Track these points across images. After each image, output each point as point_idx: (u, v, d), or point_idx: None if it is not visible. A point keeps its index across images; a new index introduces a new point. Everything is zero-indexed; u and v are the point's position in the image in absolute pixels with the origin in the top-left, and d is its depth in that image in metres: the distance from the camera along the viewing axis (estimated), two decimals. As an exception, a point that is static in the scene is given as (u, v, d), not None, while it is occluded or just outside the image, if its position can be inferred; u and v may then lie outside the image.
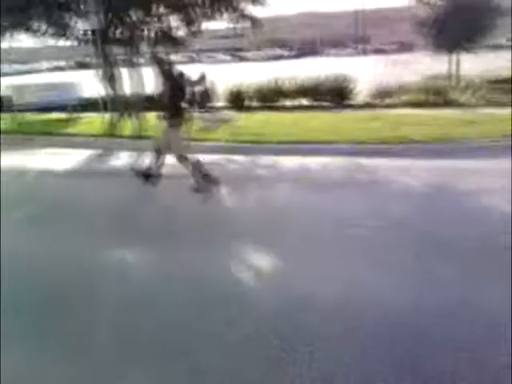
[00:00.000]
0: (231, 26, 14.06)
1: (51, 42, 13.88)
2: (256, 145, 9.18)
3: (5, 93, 15.05)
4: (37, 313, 3.68)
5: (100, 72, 12.55)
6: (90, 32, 12.46)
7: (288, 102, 14.47)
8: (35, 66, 61.51)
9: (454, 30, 16.40)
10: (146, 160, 7.22)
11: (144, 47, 13.83)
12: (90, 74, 13.41)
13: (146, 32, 13.61)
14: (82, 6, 12.26)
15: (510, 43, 30.35)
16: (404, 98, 13.49)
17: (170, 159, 7.00)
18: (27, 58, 61.43)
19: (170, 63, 7.14)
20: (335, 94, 13.89)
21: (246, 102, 14.61)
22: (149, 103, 13.24)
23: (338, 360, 2.89)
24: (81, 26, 13.36)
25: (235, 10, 12.94)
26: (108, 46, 13.08)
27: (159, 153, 7.03)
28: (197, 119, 11.20)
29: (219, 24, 15.34)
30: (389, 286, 3.75)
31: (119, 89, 13.47)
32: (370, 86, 14.30)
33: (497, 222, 4.87)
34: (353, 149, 8.46)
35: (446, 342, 2.99)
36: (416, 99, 13.13)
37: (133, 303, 3.72)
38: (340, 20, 70.61)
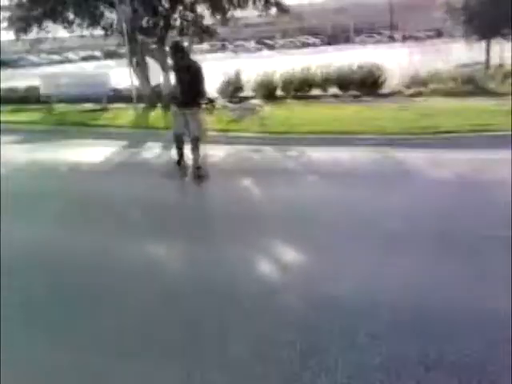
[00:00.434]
0: (260, 13, 13.99)
1: (83, 31, 14.05)
2: (284, 135, 9.11)
3: (35, 83, 15.31)
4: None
5: (130, 62, 12.65)
6: (120, 22, 12.54)
7: (318, 92, 14.30)
8: (67, 55, 62.36)
9: (489, 17, 15.92)
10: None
11: (173, 36, 13.86)
12: (121, 64, 13.54)
13: (175, 21, 13.65)
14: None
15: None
16: (437, 86, 13.17)
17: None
18: (59, 48, 62.34)
19: (185, 51, 7.23)
20: (366, 84, 13.64)
21: (275, 92, 14.51)
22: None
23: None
24: (111, 15, 13.50)
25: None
26: (138, 36, 13.17)
27: (181, 142, 7.23)
28: (224, 109, 11.24)
29: (249, 12, 15.29)
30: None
31: (149, 79, 13.58)
32: (403, 74, 14.01)
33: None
34: (383, 139, 8.31)
35: None
36: (449, 88, 12.80)
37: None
38: (373, 6, 69.23)
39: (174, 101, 7.33)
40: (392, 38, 58.23)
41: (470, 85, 12.83)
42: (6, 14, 13.12)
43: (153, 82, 13.75)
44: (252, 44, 62.94)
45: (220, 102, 12.57)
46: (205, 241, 4.79)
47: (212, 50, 61.51)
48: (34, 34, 13.74)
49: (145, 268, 4.19)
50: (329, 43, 62.60)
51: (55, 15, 12.99)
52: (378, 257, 4.14)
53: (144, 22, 13.36)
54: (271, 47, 62.11)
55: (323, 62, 14.99)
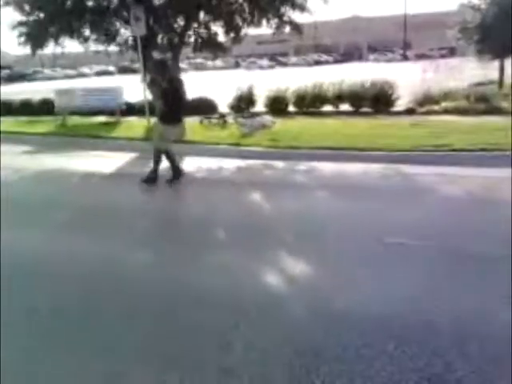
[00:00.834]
0: (274, 32, 14.09)
1: (98, 47, 14.24)
2: (295, 150, 9.12)
3: (50, 96, 15.53)
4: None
5: (143, 77, 12.78)
6: (134, 38, 12.71)
7: (330, 108, 14.34)
8: (82, 70, 63.31)
9: (503, 36, 15.88)
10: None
11: (187, 52, 14.01)
12: (135, 79, 13.68)
13: (189, 38, 13.79)
14: (126, 13, 12.54)
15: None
16: (449, 104, 13.14)
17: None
18: (74, 62, 63.41)
19: (168, 67, 7.47)
20: (378, 101, 13.66)
21: (287, 108, 14.57)
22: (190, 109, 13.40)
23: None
24: (126, 32, 13.69)
25: (277, 15, 12.94)
26: (150, 52, 13.33)
27: (158, 156, 7.51)
28: (236, 124, 11.31)
29: (261, 30, 15.42)
30: None
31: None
32: (415, 92, 14.00)
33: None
34: (394, 156, 8.28)
35: None
36: (462, 106, 12.77)
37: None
38: (386, 25, 69.73)
39: (159, 117, 7.61)
40: (405, 57, 58.39)
41: (483, 103, 12.77)
42: (24, 29, 13.34)
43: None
44: (265, 61, 63.41)
45: (232, 116, 12.63)
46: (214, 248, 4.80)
47: (225, 67, 62.23)
48: (50, 48, 13.97)
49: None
50: (341, 61, 62.94)
51: (72, 31, 13.19)
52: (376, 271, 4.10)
53: (159, 39, 13.52)
54: (284, 64, 62.55)
55: (335, 79, 15.04)
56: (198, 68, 59.73)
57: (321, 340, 3.17)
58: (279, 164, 8.71)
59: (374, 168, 7.91)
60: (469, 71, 18.78)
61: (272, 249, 4.79)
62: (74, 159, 7.93)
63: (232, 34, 13.71)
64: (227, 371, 2.90)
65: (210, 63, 62.13)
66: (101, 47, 14.10)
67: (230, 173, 8.43)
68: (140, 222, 5.91)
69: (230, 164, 8.83)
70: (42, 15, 12.67)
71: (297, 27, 13.55)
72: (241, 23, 13.48)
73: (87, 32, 13.35)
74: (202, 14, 13.27)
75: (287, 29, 13.68)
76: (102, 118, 14.41)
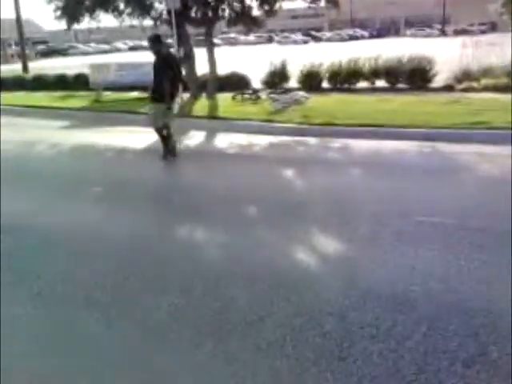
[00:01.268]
0: (309, 5, 13.85)
1: (132, 21, 14.26)
2: (328, 127, 9.00)
3: (86, 71, 15.67)
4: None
5: (177, 52, 12.76)
6: (168, 12, 12.66)
7: (365, 84, 14.06)
8: (116, 45, 63.61)
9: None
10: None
11: (220, 27, 13.90)
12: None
13: (223, 12, 13.68)
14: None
15: None
16: (489, 81, 12.71)
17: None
18: (108, 37, 63.77)
19: (160, 43, 7.49)
20: (415, 77, 13.31)
21: (321, 84, 14.36)
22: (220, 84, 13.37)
23: None
24: (160, 6, 13.66)
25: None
26: (184, 26, 13.28)
27: (162, 132, 7.46)
28: (269, 100, 11.21)
29: (296, 3, 15.17)
30: None
31: (195, 69, 13.68)
32: (453, 68, 13.59)
33: None
34: (431, 133, 8.09)
35: None
36: (502, 83, 12.32)
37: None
38: (424, -1, 67.60)
39: (154, 95, 7.47)
40: (443, 32, 56.68)
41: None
42: (59, 3, 13.45)
43: (196, 72, 13.85)
44: (299, 36, 62.44)
45: (265, 92, 12.53)
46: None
47: (258, 42, 61.61)
48: (85, 23, 14.07)
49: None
50: (377, 36, 61.52)
51: (107, 5, 13.23)
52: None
53: (193, 13, 13.45)
54: (318, 39, 61.51)
55: (371, 54, 14.70)
56: (231, 43, 59.34)
57: (353, 317, 3.15)
58: (312, 141, 8.63)
59: (410, 145, 7.75)
60: (510, 47, 18.08)
61: (306, 225, 4.80)
62: (107, 134, 8.02)
63: (266, 8, 13.52)
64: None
65: (242, 38, 61.57)
66: (135, 21, 14.13)
67: (262, 149, 8.39)
68: (174, 197, 5.98)
69: (262, 140, 8.79)
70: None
71: (333, 0, 13.28)
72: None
73: (122, 6, 13.38)
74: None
75: (322, 2, 13.43)
76: (135, 94, 14.47)
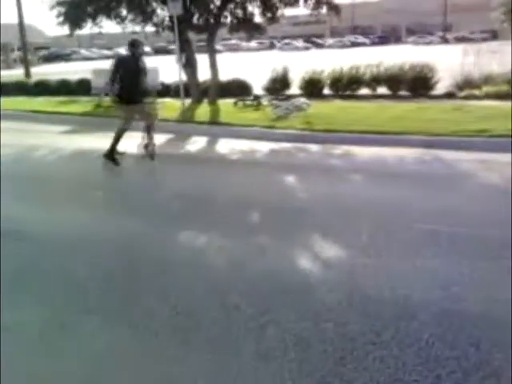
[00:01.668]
0: (311, 12, 13.89)
1: (134, 27, 14.30)
2: (330, 133, 9.01)
3: (88, 77, 15.69)
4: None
5: (179, 58, 12.80)
6: (170, 18, 12.71)
7: (366, 91, 14.08)
8: (118, 50, 63.72)
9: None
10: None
11: (222, 34, 13.96)
12: (170, 59, 13.69)
13: (225, 19, 13.72)
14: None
15: None
16: (490, 89, 12.73)
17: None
18: (111, 43, 63.95)
19: (140, 49, 7.78)
20: (417, 84, 13.34)
21: (322, 90, 14.39)
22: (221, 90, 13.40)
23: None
24: (162, 12, 13.71)
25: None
26: (186, 33, 13.33)
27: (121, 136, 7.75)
28: (270, 106, 11.23)
29: (298, 10, 15.21)
30: None
31: (196, 75, 13.73)
32: (454, 75, 13.62)
33: None
34: (432, 141, 8.09)
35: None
36: (503, 91, 12.34)
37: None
38: (426, 7, 67.81)
39: (121, 98, 7.72)
40: (445, 39, 56.84)
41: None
42: (62, 9, 13.48)
43: (198, 78, 13.89)
44: (300, 43, 62.63)
45: (266, 98, 12.55)
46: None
47: (260, 48, 61.82)
48: (87, 29, 14.10)
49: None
50: (379, 43, 61.68)
51: (109, 11, 13.27)
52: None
53: (195, 19, 13.50)
54: (319, 46, 61.68)
55: (373, 61, 14.74)
56: (232, 49, 59.52)
57: (355, 324, 3.14)
58: (314, 147, 8.63)
59: (412, 153, 7.75)
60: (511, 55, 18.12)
61: (306, 231, 4.80)
62: (108, 140, 8.04)
63: (268, 15, 13.57)
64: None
65: (244, 44, 61.81)
66: (137, 27, 14.17)
67: (264, 155, 8.40)
68: (177, 202, 5.99)
69: (264, 147, 8.80)
70: (80, -5, 12.79)
71: (334, 7, 13.33)
72: (278, 3, 13.33)
73: (124, 12, 13.42)
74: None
75: (324, 9, 13.48)
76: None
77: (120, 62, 7.66)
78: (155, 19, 13.81)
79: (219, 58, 14.39)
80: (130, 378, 2.80)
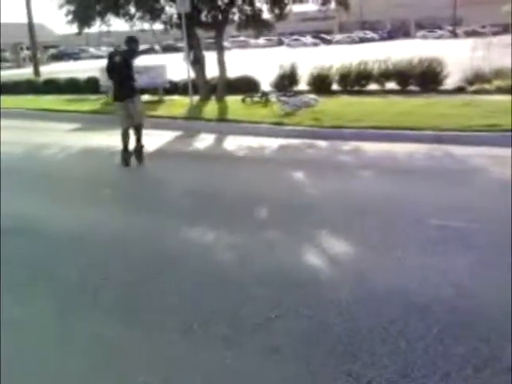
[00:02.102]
0: (320, 8, 13.82)
1: (143, 25, 14.30)
2: (339, 129, 8.97)
3: (96, 75, 15.74)
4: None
5: (187, 56, 12.80)
6: (178, 16, 12.71)
7: (375, 87, 13.99)
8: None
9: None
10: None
11: (230, 31, 13.93)
12: (179, 57, 13.69)
13: (233, 15, 13.69)
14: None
15: None
16: (501, 83, 12.58)
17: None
18: (119, 41, 64.03)
19: (137, 46, 7.80)
20: (426, 79, 13.22)
21: (331, 86, 14.31)
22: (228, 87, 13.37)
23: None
24: (170, 9, 13.70)
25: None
26: (194, 30, 13.31)
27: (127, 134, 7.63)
28: (279, 102, 11.20)
29: (306, 6, 15.14)
30: None
31: (204, 72, 13.72)
32: (464, 69, 13.49)
33: None
34: (442, 136, 8.03)
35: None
36: (513, 85, 12.21)
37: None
38: (435, 1, 67.20)
39: (114, 95, 7.78)
40: (454, 34, 56.30)
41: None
42: (71, 7, 13.52)
43: (206, 75, 13.88)
44: (309, 39, 62.32)
45: (275, 95, 12.51)
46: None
47: (268, 45, 61.64)
48: (96, 27, 14.12)
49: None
50: (388, 38, 61.23)
51: (117, 9, 13.29)
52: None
53: (203, 17, 13.48)
54: (328, 42, 61.36)
55: (381, 57, 14.64)
56: (240, 46, 59.39)
57: (363, 320, 3.13)
58: (322, 144, 8.60)
59: (422, 148, 7.70)
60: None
61: (316, 227, 4.79)
62: (117, 137, 8.07)
63: (276, 11, 13.52)
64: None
65: (252, 41, 61.64)
66: (146, 25, 14.17)
67: (272, 152, 8.39)
68: (188, 199, 6.00)
69: (272, 143, 8.79)
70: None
71: (343, 2, 13.24)
72: (285, -1, 13.29)
73: (133, 10, 13.43)
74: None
75: (333, 5, 13.40)
76: (145, 97, 14.48)
77: (111, 60, 7.61)
78: (163, 17, 13.81)
79: (227, 54, 14.38)
80: (133, 378, 2.81)
